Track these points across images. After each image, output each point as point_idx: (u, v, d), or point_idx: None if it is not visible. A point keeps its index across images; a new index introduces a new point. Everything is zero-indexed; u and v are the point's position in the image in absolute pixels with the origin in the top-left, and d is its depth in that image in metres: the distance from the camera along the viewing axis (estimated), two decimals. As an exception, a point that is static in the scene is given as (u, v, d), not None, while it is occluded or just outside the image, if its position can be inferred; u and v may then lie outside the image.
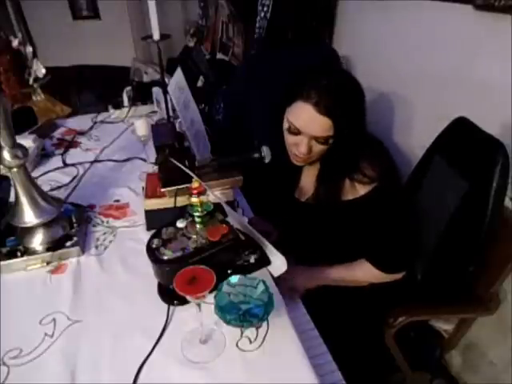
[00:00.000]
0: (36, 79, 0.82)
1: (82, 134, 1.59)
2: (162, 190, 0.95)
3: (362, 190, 0.96)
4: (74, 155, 1.43)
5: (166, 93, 1.52)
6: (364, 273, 1.02)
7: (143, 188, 1.05)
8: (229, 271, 0.80)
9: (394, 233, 0.98)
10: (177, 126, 1.26)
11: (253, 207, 1.22)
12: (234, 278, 0.73)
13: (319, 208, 1.03)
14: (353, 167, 0.96)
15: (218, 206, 0.85)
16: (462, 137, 1.07)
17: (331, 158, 0.97)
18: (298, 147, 0.95)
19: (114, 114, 1.71)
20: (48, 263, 0.92)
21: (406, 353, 1.08)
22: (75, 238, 0.95)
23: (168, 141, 1.01)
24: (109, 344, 0.73)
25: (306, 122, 0.91)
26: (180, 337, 0.74)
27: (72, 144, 1.51)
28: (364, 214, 0.97)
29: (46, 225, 0.92)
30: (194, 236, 0.80)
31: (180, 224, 0.82)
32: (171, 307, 0.79)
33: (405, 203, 1.05)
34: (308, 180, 1.08)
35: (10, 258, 0.89)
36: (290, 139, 0.97)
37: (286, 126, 0.96)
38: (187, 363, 0.69)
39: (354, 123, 0.91)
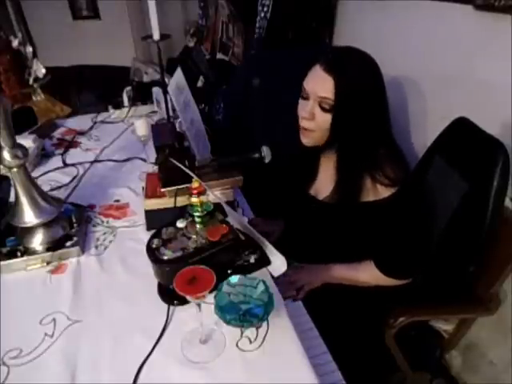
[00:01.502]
0: (36, 79, 0.82)
1: (82, 133, 1.59)
2: (162, 190, 0.95)
3: (384, 192, 0.95)
4: (74, 155, 1.43)
5: (166, 93, 1.51)
6: (368, 274, 1.02)
7: (143, 188, 1.05)
8: (229, 271, 0.80)
9: (406, 239, 0.97)
10: (177, 126, 1.26)
11: (253, 207, 1.22)
12: (234, 278, 0.73)
13: (338, 207, 1.01)
14: (372, 164, 0.95)
15: (218, 206, 0.85)
16: (462, 137, 1.07)
17: (347, 147, 0.96)
18: (302, 113, 0.96)
19: (114, 114, 1.71)
20: (48, 263, 0.92)
21: (406, 353, 1.07)
22: (75, 238, 0.95)
23: (168, 141, 1.01)
24: (109, 344, 0.73)
25: (312, 80, 0.94)
26: (180, 337, 0.74)
27: (72, 144, 1.51)
28: (382, 216, 0.96)
29: (46, 225, 0.92)
30: (194, 236, 0.80)
31: (180, 224, 0.82)
32: (171, 307, 0.79)
33: (421, 210, 1.05)
34: (325, 177, 1.07)
35: (10, 258, 0.89)
36: (300, 106, 0.98)
37: (301, 92, 0.97)
38: (187, 363, 0.69)
39: (360, 96, 0.90)
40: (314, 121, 0.94)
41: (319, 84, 0.91)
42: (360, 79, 0.90)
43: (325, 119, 0.93)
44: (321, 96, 0.91)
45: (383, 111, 0.96)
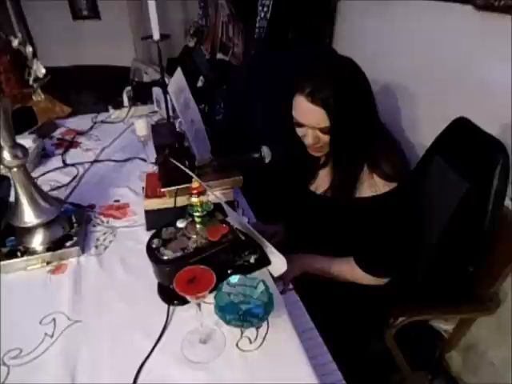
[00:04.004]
0: (36, 79, 0.82)
1: (81, 134, 1.59)
2: (162, 190, 0.95)
3: (382, 187, 0.95)
4: (74, 155, 1.43)
5: (166, 93, 1.52)
6: (347, 268, 1.03)
7: (143, 188, 1.05)
8: (229, 271, 0.80)
9: (389, 239, 0.98)
10: (177, 125, 1.26)
11: (253, 207, 1.22)
12: (234, 278, 0.73)
13: (335, 201, 1.02)
14: (369, 157, 0.95)
15: (217, 206, 0.85)
16: (462, 137, 1.07)
17: (341, 145, 0.96)
18: (306, 138, 0.96)
19: (113, 114, 1.71)
20: (48, 263, 0.92)
21: (406, 353, 1.07)
22: (75, 238, 0.95)
23: (168, 141, 1.01)
24: (109, 344, 0.73)
25: (304, 114, 0.93)
26: (180, 337, 0.74)
27: (72, 144, 1.51)
28: (379, 212, 0.97)
29: (46, 225, 0.92)
30: (194, 236, 0.80)
31: (180, 224, 0.82)
32: (171, 307, 0.79)
33: (417, 211, 1.05)
34: (324, 173, 1.08)
35: (10, 258, 0.89)
36: (298, 132, 0.98)
37: (294, 120, 0.97)
38: (187, 363, 0.69)
39: (354, 110, 0.90)
40: (320, 141, 0.96)
41: (313, 117, 0.91)
42: (347, 94, 0.89)
43: (328, 137, 0.94)
44: (319, 127, 0.92)
45: (372, 106, 0.97)
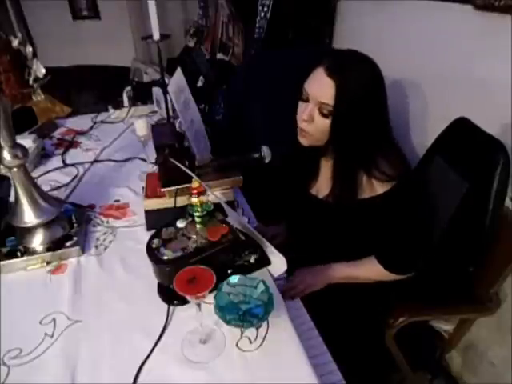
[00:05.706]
0: (36, 79, 0.82)
1: (82, 134, 1.59)
2: (162, 190, 0.95)
3: (380, 188, 0.95)
4: (74, 155, 1.43)
5: (166, 93, 1.52)
6: (370, 270, 1.02)
7: (143, 188, 1.05)
8: (229, 271, 0.80)
9: (407, 234, 0.97)
10: (177, 125, 1.26)
11: (253, 207, 1.22)
12: (234, 278, 0.73)
13: (336, 205, 1.02)
14: (368, 162, 0.95)
15: (217, 206, 0.85)
16: (462, 137, 1.07)
17: (344, 149, 0.96)
18: (302, 115, 0.95)
19: (113, 114, 1.71)
20: (48, 263, 0.92)
21: (405, 353, 1.07)
22: (75, 238, 0.95)
23: (168, 141, 1.01)
24: (109, 344, 0.73)
25: (314, 84, 0.92)
26: (180, 337, 0.74)
27: (72, 144, 1.51)
28: (380, 212, 0.96)
29: (46, 225, 0.92)
30: (194, 236, 0.80)
31: (180, 224, 0.82)
32: (171, 307, 0.79)
33: (421, 207, 1.04)
34: (326, 176, 1.07)
35: (10, 258, 0.89)
36: (299, 109, 0.97)
37: (301, 94, 0.96)
38: (187, 363, 0.69)
39: (359, 102, 0.90)
40: (313, 123, 0.94)
41: (321, 89, 0.90)
42: (361, 85, 0.90)
43: (323, 123, 0.93)
44: (321, 102, 0.91)
45: (382, 114, 0.96)
